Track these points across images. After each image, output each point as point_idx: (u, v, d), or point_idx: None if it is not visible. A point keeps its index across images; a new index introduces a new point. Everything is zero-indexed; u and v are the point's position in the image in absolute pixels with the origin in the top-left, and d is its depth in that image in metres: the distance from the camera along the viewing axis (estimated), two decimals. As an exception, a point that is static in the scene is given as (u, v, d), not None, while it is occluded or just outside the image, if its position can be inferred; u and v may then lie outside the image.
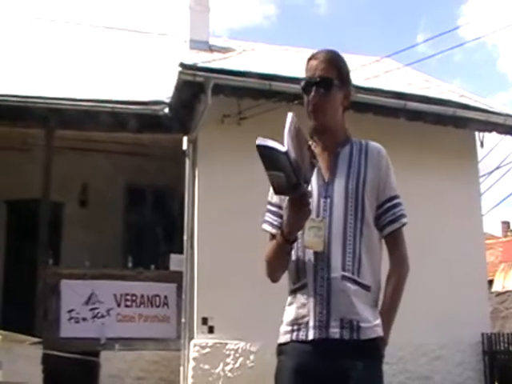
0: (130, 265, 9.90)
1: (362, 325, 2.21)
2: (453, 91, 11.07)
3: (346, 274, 2.23)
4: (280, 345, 2.34)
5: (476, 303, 9.60)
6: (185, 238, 9.06)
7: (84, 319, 8.86)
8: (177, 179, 9.69)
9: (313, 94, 2.34)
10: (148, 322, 9.15)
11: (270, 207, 2.44)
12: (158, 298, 9.28)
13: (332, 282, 2.22)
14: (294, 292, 2.32)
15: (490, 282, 15.02)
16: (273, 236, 2.36)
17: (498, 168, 12.33)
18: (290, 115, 2.09)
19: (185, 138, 9.38)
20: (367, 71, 10.51)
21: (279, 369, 2.32)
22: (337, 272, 2.22)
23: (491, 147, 11.66)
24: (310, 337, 2.22)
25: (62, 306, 8.86)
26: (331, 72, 2.37)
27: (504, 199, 22.44)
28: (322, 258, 2.24)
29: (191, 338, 8.54)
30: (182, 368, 8.62)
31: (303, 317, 2.25)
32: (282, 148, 1.96)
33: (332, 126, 2.39)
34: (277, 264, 2.32)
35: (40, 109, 9.05)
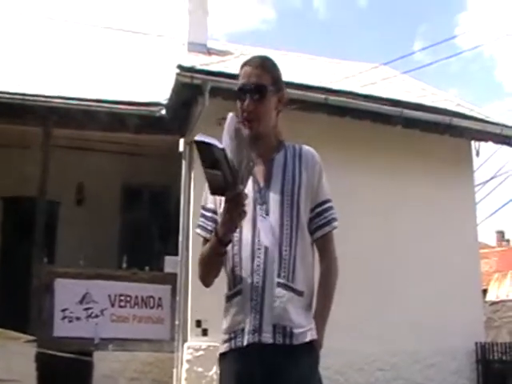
0: (124, 265, 9.91)
1: (294, 331, 2.24)
2: (449, 100, 11.12)
3: (281, 280, 2.25)
4: (221, 354, 2.35)
5: (470, 312, 9.61)
6: (180, 239, 9.07)
7: (78, 318, 8.83)
8: (173, 180, 9.71)
9: (247, 102, 2.34)
10: (142, 323, 9.14)
11: (204, 212, 2.44)
12: (152, 300, 9.27)
13: (266, 288, 2.23)
14: (229, 298, 2.33)
15: (484, 292, 15.06)
16: (206, 241, 2.36)
17: (493, 178, 12.42)
18: (230, 115, 2.11)
19: (181, 140, 9.40)
20: (365, 78, 10.57)
21: (222, 379, 2.34)
22: (272, 278, 2.24)
23: (487, 157, 11.72)
24: (245, 342, 2.23)
25: (56, 305, 8.84)
26: (265, 78, 2.38)
27: (499, 209, 22.57)
28: (258, 263, 2.26)
29: (185, 340, 8.54)
30: (175, 370, 8.62)
31: (239, 323, 2.27)
32: (220, 145, 1.98)
33: (266, 132, 2.40)
34: (210, 267, 2.34)
35: (38, 107, 9.08)
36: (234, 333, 2.28)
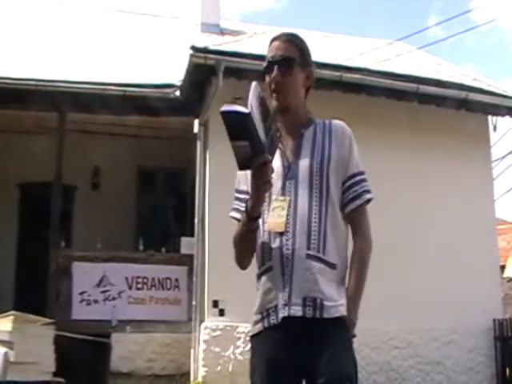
0: (141, 247, 9.97)
1: (325, 303, 2.20)
2: (465, 75, 10.99)
3: (311, 252, 2.22)
4: (252, 336, 2.33)
5: (488, 289, 9.55)
6: (196, 220, 9.07)
7: (95, 301, 8.91)
8: (188, 162, 9.71)
9: (275, 72, 2.35)
10: (159, 304, 9.19)
11: (237, 195, 2.43)
12: (168, 281, 9.31)
13: (296, 262, 2.21)
14: (260, 276, 2.31)
15: (502, 268, 14.97)
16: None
17: (511, 153, 12.28)
18: (253, 84, 2.09)
19: (196, 121, 9.37)
20: (379, 54, 10.47)
21: (253, 362, 2.31)
22: (302, 251, 2.22)
23: (504, 131, 11.62)
24: (281, 318, 2.20)
25: (74, 288, 8.92)
26: (293, 51, 2.39)
27: (517, 184, 22.38)
28: (287, 238, 2.23)
29: (202, 320, 8.57)
30: (192, 350, 8.66)
31: (271, 301, 2.24)
32: (246, 110, 1.97)
33: (294, 105, 2.39)
34: (243, 246, 2.31)
35: (52, 92, 9.08)
36: (266, 311, 2.26)
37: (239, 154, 2.03)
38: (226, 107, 1.97)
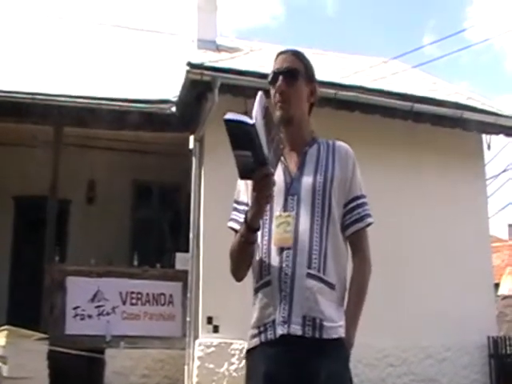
0: (135, 263, 9.94)
1: (325, 323, 2.18)
2: (460, 93, 11.06)
3: (312, 271, 2.20)
4: (249, 350, 2.31)
5: (482, 306, 9.57)
6: (191, 236, 9.07)
7: (89, 316, 8.87)
8: (183, 177, 9.71)
9: (280, 82, 2.37)
10: (153, 320, 9.16)
11: (236, 206, 2.42)
12: (163, 297, 9.28)
13: (296, 279, 2.19)
14: (257, 291, 2.28)
15: (496, 286, 14.99)
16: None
17: (505, 171, 12.35)
18: (259, 94, 2.08)
19: (191, 137, 9.39)
20: (374, 73, 10.52)
21: (249, 377, 2.29)
22: (302, 269, 2.20)
23: (498, 150, 11.68)
24: (277, 335, 2.18)
25: (68, 303, 8.87)
26: (298, 64, 2.41)
27: (511, 202, 22.43)
28: (288, 254, 2.21)
29: (196, 336, 8.54)
30: (186, 367, 8.63)
31: (269, 316, 2.22)
32: (250, 121, 1.95)
33: (298, 117, 2.39)
34: (241, 258, 2.28)
35: (48, 106, 9.10)
36: (263, 326, 2.23)
37: (241, 163, 2.01)
38: (229, 115, 1.95)
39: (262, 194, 2.08)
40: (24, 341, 3.07)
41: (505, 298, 14.72)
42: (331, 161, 2.37)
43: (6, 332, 2.96)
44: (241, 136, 1.95)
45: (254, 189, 2.10)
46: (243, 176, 2.08)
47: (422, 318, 8.95)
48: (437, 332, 9.07)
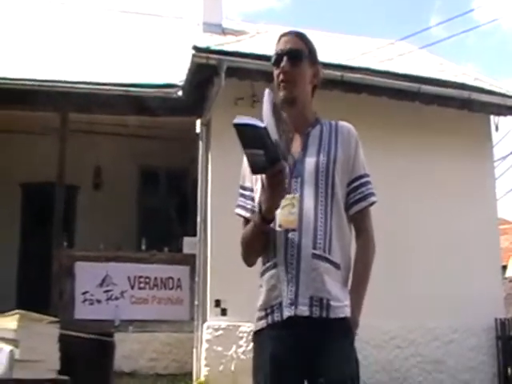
0: (143, 247, 9.98)
1: (332, 303, 2.20)
2: (467, 74, 10.99)
3: (317, 252, 2.22)
4: (256, 332, 2.33)
5: (489, 288, 9.55)
6: (198, 220, 9.08)
7: (98, 301, 8.95)
8: (190, 162, 9.72)
9: (284, 63, 2.37)
10: (161, 304, 9.22)
11: (242, 191, 2.44)
12: (171, 281, 9.33)
13: (302, 260, 2.21)
14: (264, 273, 2.30)
15: (504, 268, 14.98)
16: (246, 220, 2.36)
17: (513, 152, 12.27)
18: (267, 91, 2.10)
19: (198, 121, 9.38)
20: (381, 54, 10.47)
21: (256, 358, 2.31)
22: (308, 250, 2.22)
23: (507, 131, 11.61)
24: (284, 316, 2.20)
25: (77, 288, 8.95)
26: (301, 46, 2.42)
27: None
28: (293, 236, 2.23)
29: (204, 320, 8.59)
30: (195, 350, 8.69)
31: (276, 298, 2.24)
32: (261, 124, 1.96)
33: (301, 98, 2.40)
34: (254, 246, 2.31)
35: (54, 92, 9.10)
36: (270, 308, 2.25)
37: (253, 160, 2.03)
38: (238, 120, 1.96)
39: (277, 189, 2.10)
40: (35, 324, 3.11)
41: (512, 279, 14.72)
42: (334, 141, 2.38)
43: (17, 316, 3.01)
44: (251, 138, 1.97)
45: (269, 184, 2.11)
46: (256, 172, 2.11)
47: (429, 300, 8.96)
48: (444, 314, 9.08)
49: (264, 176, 2.15)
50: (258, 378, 2.28)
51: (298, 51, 2.39)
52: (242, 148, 2.00)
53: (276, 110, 2.09)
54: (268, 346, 2.24)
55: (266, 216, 2.17)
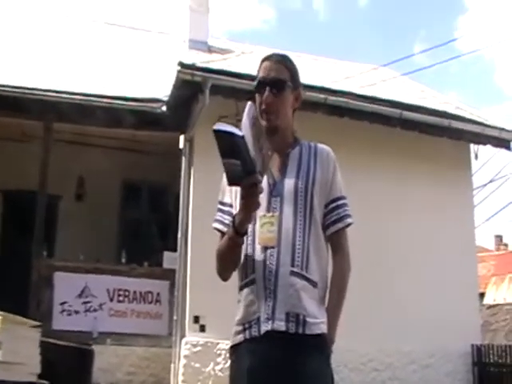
0: (123, 260, 9.95)
1: (308, 319, 2.24)
2: (449, 103, 11.15)
3: (295, 269, 2.26)
4: (232, 346, 2.35)
5: (467, 314, 9.66)
6: (179, 235, 9.10)
7: (76, 312, 8.87)
8: (173, 177, 9.74)
9: (266, 94, 2.39)
10: (140, 318, 9.18)
11: (221, 207, 2.47)
12: (150, 295, 9.30)
13: (280, 277, 2.25)
14: (242, 288, 2.33)
15: (482, 295, 15.09)
16: (223, 235, 2.37)
17: (491, 181, 12.46)
18: (249, 104, 2.14)
19: (181, 137, 9.41)
20: (364, 79, 10.61)
21: (233, 372, 2.33)
22: (286, 267, 2.26)
23: (486, 160, 11.77)
24: (262, 332, 2.23)
25: (55, 298, 8.88)
26: (284, 73, 2.44)
27: (497, 212, 22.55)
28: (272, 253, 2.27)
29: (183, 335, 8.56)
30: (172, 365, 8.63)
31: (254, 313, 2.27)
32: (239, 132, 1.99)
33: (283, 126, 2.44)
34: (228, 260, 2.33)
35: (38, 101, 9.09)
36: (248, 323, 2.28)
37: (230, 170, 2.05)
38: (219, 126, 1.98)
39: (250, 201, 2.13)
40: (18, 327, 3.13)
41: (490, 307, 14.82)
42: (313, 163, 2.42)
43: (0, 317, 3.02)
44: (230, 146, 1.99)
45: (243, 196, 2.14)
46: (232, 183, 2.13)
47: (407, 324, 9.01)
48: (421, 338, 9.13)
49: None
50: None
51: (280, 81, 2.41)
52: (221, 157, 2.02)
53: (256, 124, 2.13)
54: (245, 360, 2.26)
55: (238, 229, 2.20)
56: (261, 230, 2.31)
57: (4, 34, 11.82)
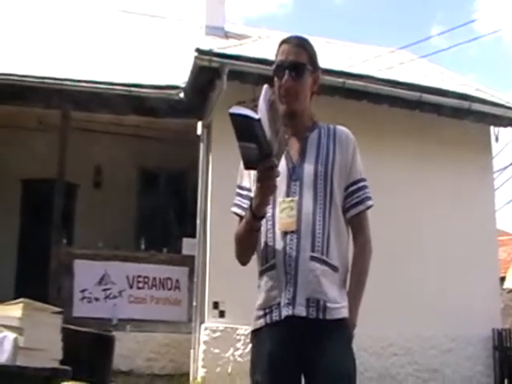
0: (142, 247, 10.00)
1: (328, 305, 2.24)
2: (468, 85, 11.02)
3: (315, 254, 2.26)
4: (254, 331, 2.36)
5: (487, 298, 9.60)
6: (198, 222, 9.11)
7: (96, 299, 8.96)
8: (190, 163, 9.74)
9: (285, 78, 2.37)
10: (159, 304, 9.23)
11: (239, 191, 2.46)
12: (169, 281, 9.35)
13: (300, 262, 2.24)
14: (262, 274, 2.33)
15: (502, 279, 14.98)
16: (242, 219, 2.36)
17: (512, 163, 12.31)
18: (265, 87, 2.11)
19: (199, 123, 9.42)
20: (382, 62, 10.52)
21: (254, 356, 2.35)
22: (306, 252, 2.25)
23: (506, 142, 11.65)
24: (282, 316, 2.24)
25: (75, 286, 8.96)
26: (303, 57, 2.41)
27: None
28: (292, 238, 2.27)
29: (202, 321, 8.60)
30: (192, 351, 8.68)
31: (274, 298, 2.27)
32: (255, 115, 1.97)
33: (302, 110, 2.43)
34: (246, 244, 2.34)
35: (56, 90, 9.14)
36: (269, 308, 2.29)
37: (246, 154, 2.05)
38: (235, 109, 1.98)
39: (267, 185, 2.12)
40: (39, 313, 3.14)
41: (510, 291, 14.72)
42: (332, 146, 2.41)
43: (21, 304, 3.04)
44: (246, 129, 1.98)
45: (259, 179, 2.12)
46: (248, 166, 2.12)
47: (427, 309, 8.97)
48: (441, 323, 9.09)
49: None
50: (256, 374, 2.31)
51: (299, 65, 2.39)
52: (237, 140, 2.01)
53: (273, 107, 2.10)
54: (266, 344, 2.27)
55: (256, 212, 2.19)
56: (280, 215, 2.30)
57: (20, 23, 11.85)
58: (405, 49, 12.28)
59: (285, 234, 2.28)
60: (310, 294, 2.23)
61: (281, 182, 2.25)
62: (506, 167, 12.29)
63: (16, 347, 3.16)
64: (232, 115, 1.97)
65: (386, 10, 56.87)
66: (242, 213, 2.37)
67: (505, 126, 10.13)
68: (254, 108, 2.05)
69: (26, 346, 3.20)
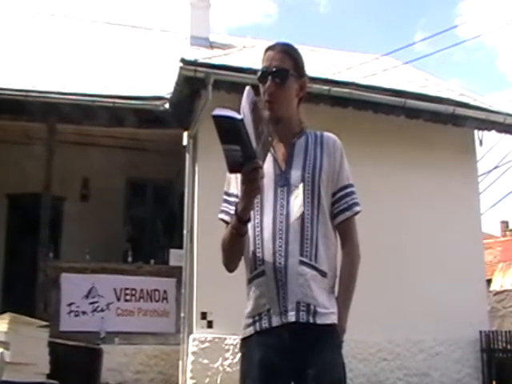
0: (129, 259, 9.96)
1: (318, 309, 2.23)
2: (452, 90, 11.10)
3: (304, 259, 2.25)
4: (243, 339, 2.34)
5: (474, 301, 9.64)
6: (184, 232, 9.09)
7: (84, 313, 8.90)
8: (177, 174, 9.73)
9: (268, 83, 2.37)
10: (147, 316, 9.19)
11: (227, 197, 2.44)
12: (157, 293, 9.32)
13: (289, 267, 2.23)
14: (251, 281, 2.32)
15: (489, 282, 15.07)
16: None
17: (496, 167, 12.38)
18: (247, 88, 2.10)
19: (185, 134, 9.41)
20: (366, 69, 10.56)
21: (244, 365, 2.33)
22: (295, 257, 2.24)
23: (490, 146, 11.71)
24: (274, 324, 2.23)
25: (62, 300, 8.90)
26: (287, 63, 2.40)
27: (502, 198, 22.42)
28: (280, 244, 2.26)
29: (190, 332, 8.57)
30: (180, 362, 8.66)
31: (264, 305, 2.26)
32: (238, 116, 1.96)
33: (286, 116, 2.41)
34: (232, 249, 2.31)
35: (41, 103, 9.08)
36: (258, 315, 2.28)
37: (230, 157, 2.03)
38: (218, 111, 1.96)
39: (251, 187, 2.10)
40: (26, 327, 3.12)
41: (497, 293, 14.80)
42: (319, 152, 2.40)
43: (8, 318, 3.02)
44: (229, 131, 1.96)
45: (243, 182, 2.11)
46: (232, 170, 2.10)
47: (415, 313, 9.01)
48: (429, 326, 9.13)
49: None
50: (246, 382, 2.29)
51: (283, 71, 2.38)
52: (221, 143, 2.00)
53: (256, 108, 2.09)
54: (256, 352, 2.26)
55: (241, 216, 2.17)
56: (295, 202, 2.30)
57: (4, 36, 11.81)
58: (389, 55, 12.34)
59: (274, 240, 2.27)
60: (301, 298, 2.22)
61: (268, 187, 2.26)
62: (491, 171, 12.34)
63: (2, 362, 3.14)
64: (215, 117, 1.96)
65: (370, 17, 57.26)
66: (230, 219, 2.35)
67: (489, 129, 10.19)
68: (238, 110, 2.04)
69: (13, 360, 3.18)
